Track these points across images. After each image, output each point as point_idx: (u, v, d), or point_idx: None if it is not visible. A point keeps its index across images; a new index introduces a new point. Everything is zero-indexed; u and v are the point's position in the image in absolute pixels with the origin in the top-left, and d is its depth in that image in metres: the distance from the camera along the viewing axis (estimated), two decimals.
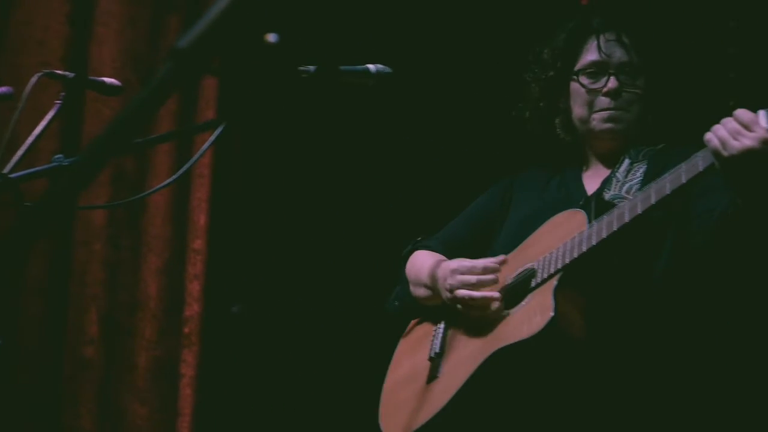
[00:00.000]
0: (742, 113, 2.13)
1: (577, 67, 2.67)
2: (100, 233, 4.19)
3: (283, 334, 4.11)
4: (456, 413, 2.41)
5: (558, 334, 2.28)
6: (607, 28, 2.66)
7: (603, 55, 2.62)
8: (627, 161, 2.58)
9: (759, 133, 2.09)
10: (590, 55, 2.65)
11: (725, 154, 2.12)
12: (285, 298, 4.12)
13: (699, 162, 2.21)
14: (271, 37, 0.99)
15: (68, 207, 0.97)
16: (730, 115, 2.14)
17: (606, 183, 2.59)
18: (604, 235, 2.32)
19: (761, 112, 2.14)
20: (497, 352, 2.35)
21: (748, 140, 2.10)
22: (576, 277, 2.37)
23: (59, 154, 2.42)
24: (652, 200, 2.27)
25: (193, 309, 4.19)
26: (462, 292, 2.49)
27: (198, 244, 4.23)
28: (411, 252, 2.82)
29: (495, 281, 2.52)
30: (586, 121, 2.65)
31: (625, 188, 2.47)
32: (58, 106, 2.55)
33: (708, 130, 2.19)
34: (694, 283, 2.43)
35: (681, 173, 2.23)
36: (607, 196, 2.53)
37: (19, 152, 2.41)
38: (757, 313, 2.85)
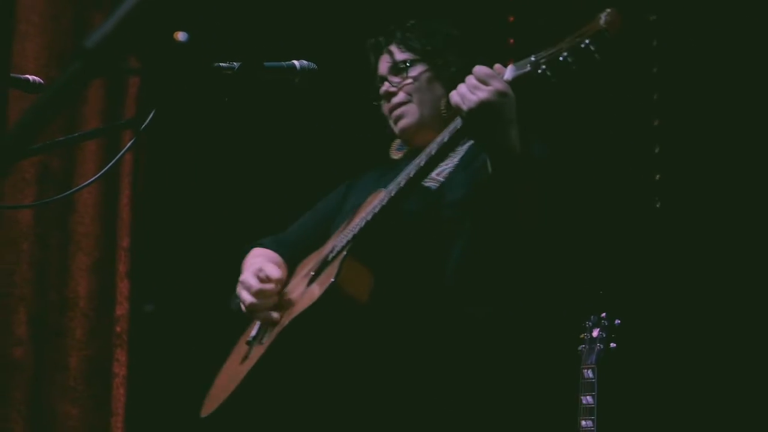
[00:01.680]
0: (478, 69, 2.21)
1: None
2: (27, 232, 4.13)
3: (208, 330, 4.08)
4: (253, 387, 2.48)
5: (340, 300, 2.33)
6: (380, 46, 2.75)
7: (378, 71, 2.74)
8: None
9: (494, 86, 2.17)
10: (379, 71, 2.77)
11: (464, 108, 2.20)
12: (204, 294, 4.09)
13: (458, 120, 2.28)
14: (181, 36, 0.98)
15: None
16: None
17: None
18: (385, 201, 2.40)
19: (509, 66, 2.22)
20: (287, 327, 2.42)
21: (483, 93, 2.17)
22: (369, 249, 2.42)
23: None
24: (422, 162, 2.36)
25: (124, 307, 4.16)
26: (242, 295, 2.57)
27: (127, 242, 4.20)
28: (248, 251, 2.87)
29: (265, 304, 2.55)
30: (392, 128, 2.75)
31: (438, 170, 2.52)
32: None
33: None
34: (482, 273, 2.47)
35: (445, 133, 2.33)
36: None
37: None
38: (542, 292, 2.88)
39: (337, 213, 2.81)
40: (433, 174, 2.51)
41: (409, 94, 2.67)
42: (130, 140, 3.97)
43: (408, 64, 2.67)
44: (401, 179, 2.41)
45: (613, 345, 3.39)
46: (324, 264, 2.54)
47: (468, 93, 2.19)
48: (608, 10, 2.08)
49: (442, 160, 2.42)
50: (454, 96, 2.22)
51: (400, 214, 2.45)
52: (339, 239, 2.54)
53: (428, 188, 2.52)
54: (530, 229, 2.41)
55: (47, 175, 4.15)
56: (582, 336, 3.45)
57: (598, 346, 3.40)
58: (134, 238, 4.22)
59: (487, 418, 2.46)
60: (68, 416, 4.11)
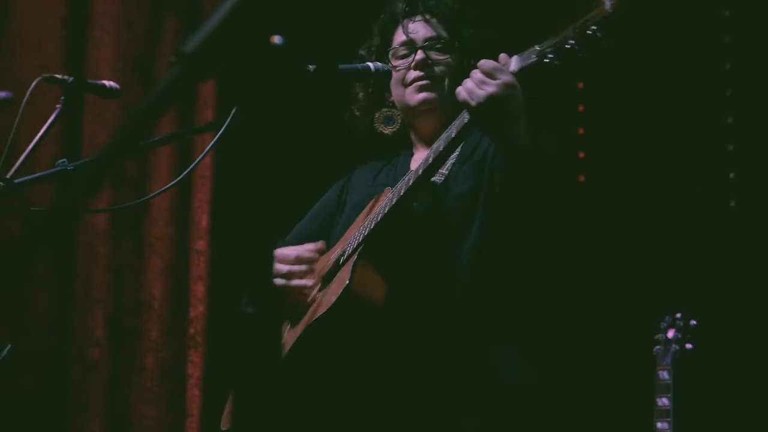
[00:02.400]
0: (484, 63, 2.18)
1: (390, 52, 2.70)
2: (103, 236, 4.20)
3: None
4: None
5: (356, 302, 2.31)
6: (412, 13, 2.67)
7: (409, 34, 2.64)
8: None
9: (501, 79, 2.14)
10: (398, 37, 2.68)
11: (473, 104, 2.16)
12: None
13: (465, 115, 2.25)
14: (277, 39, 1.00)
15: (79, 213, 0.98)
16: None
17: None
18: (394, 201, 2.38)
19: (514, 58, 2.19)
20: (308, 327, 2.41)
21: (491, 87, 2.14)
22: (380, 249, 2.40)
23: (61, 158, 2.42)
24: (431, 159, 2.33)
25: (198, 310, 4.21)
26: (276, 281, 2.52)
27: (201, 245, 4.25)
28: None
29: (308, 270, 2.54)
30: (402, 97, 2.65)
31: (445, 166, 2.48)
32: (58, 110, 2.55)
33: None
34: (496, 265, 2.44)
35: (452, 128, 2.29)
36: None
37: (21, 157, 2.42)
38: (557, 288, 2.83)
39: (337, 212, 2.77)
40: (440, 169, 2.48)
41: (444, 75, 2.60)
42: (203, 143, 4.04)
43: (449, 46, 2.61)
44: (409, 177, 2.38)
45: (688, 346, 3.36)
46: (336, 267, 2.52)
47: (475, 88, 2.15)
48: None
49: (450, 155, 2.40)
50: (461, 92, 2.18)
51: (409, 212, 2.43)
52: (349, 241, 2.52)
53: (434, 183, 2.49)
54: (543, 219, 2.34)
55: (122, 179, 4.22)
56: (657, 337, 3.42)
57: (674, 347, 3.37)
58: (211, 241, 4.26)
59: (562, 420, 2.44)
60: (144, 416, 4.17)
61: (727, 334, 3.69)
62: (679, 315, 3.41)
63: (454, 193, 2.46)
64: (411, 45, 2.64)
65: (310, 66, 2.46)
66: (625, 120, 4.05)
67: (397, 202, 2.38)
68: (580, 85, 4.13)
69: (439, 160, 2.34)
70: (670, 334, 3.38)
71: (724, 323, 3.68)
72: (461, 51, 2.61)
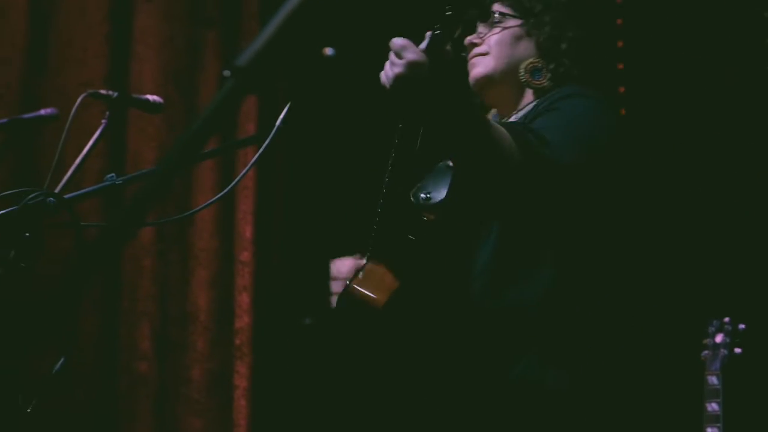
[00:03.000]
0: (394, 41, 2.02)
1: None
2: (149, 249, 4.24)
3: (337, 344, 4.14)
4: None
5: (353, 304, 2.32)
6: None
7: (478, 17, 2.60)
8: (508, 119, 2.53)
9: (407, 57, 1.97)
10: None
11: (387, 86, 2.02)
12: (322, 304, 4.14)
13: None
14: (329, 51, 1.02)
15: (139, 224, 0.99)
16: None
17: None
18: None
19: (427, 34, 2.04)
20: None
21: (397, 68, 1.99)
22: (385, 247, 2.39)
23: (107, 173, 2.45)
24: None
25: (243, 320, 4.24)
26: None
27: (245, 256, 4.28)
28: None
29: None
30: None
31: None
32: (103, 125, 2.58)
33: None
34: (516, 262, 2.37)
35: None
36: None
37: (69, 173, 2.45)
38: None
39: None
40: None
41: (488, 46, 2.52)
42: (246, 155, 4.07)
43: (497, 16, 2.54)
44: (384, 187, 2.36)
45: (737, 350, 3.33)
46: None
47: (387, 69, 2.02)
48: None
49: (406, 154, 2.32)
50: (382, 75, 2.04)
51: (415, 206, 2.37)
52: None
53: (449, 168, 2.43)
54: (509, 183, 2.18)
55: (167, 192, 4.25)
56: (705, 342, 3.40)
57: (722, 351, 3.34)
58: (256, 252, 4.29)
59: (608, 427, 2.40)
60: (192, 428, 4.20)
61: None
62: (727, 319, 3.38)
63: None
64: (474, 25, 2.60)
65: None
66: (670, 121, 4.03)
67: (381, 199, 2.34)
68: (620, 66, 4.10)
69: (396, 160, 2.28)
70: (719, 338, 3.35)
71: None
72: (523, 13, 2.53)
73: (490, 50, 2.52)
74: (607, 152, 2.32)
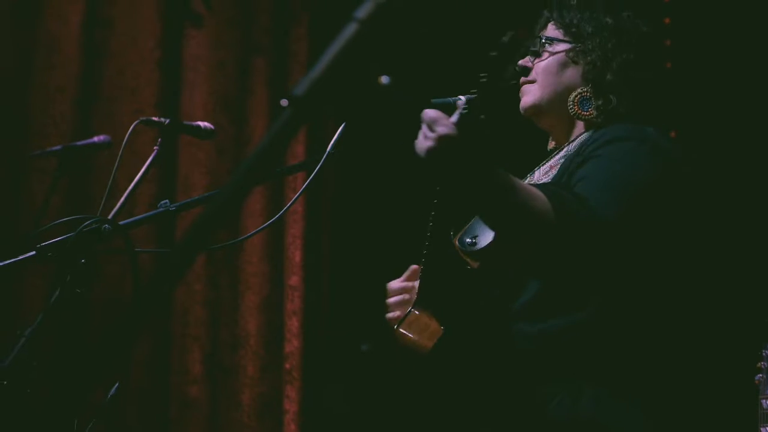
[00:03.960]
0: (425, 112, 2.00)
1: None
2: (199, 274, 4.28)
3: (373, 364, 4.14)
4: None
5: (402, 350, 2.33)
6: (545, 21, 2.56)
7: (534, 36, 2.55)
8: (560, 153, 2.48)
9: (438, 131, 1.96)
10: None
11: (421, 156, 2.01)
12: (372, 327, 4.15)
13: None
14: (384, 79, 1.03)
15: (204, 248, 1.01)
16: None
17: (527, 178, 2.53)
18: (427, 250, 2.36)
19: (459, 103, 2.01)
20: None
21: (429, 141, 1.98)
22: (430, 295, 2.38)
23: (158, 199, 2.48)
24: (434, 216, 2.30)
25: (293, 345, 4.26)
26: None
27: (294, 280, 4.31)
28: None
29: (403, 301, 2.52)
30: None
31: None
32: (155, 151, 2.61)
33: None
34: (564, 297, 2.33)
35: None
36: None
37: (122, 199, 2.49)
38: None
39: None
40: None
41: (536, 74, 2.47)
42: (295, 179, 4.10)
43: (545, 41, 2.48)
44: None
45: None
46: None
47: (421, 140, 2.00)
48: (504, 38, 1.91)
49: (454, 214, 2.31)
50: (416, 143, 2.02)
51: (461, 251, 2.34)
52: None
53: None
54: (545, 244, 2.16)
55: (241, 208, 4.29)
56: (759, 365, 3.36)
57: None
58: (305, 276, 4.31)
59: None
60: None
61: None
62: None
63: None
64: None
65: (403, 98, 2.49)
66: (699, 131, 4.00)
67: (427, 252, 2.34)
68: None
69: (440, 216, 2.27)
70: None
71: None
72: (572, 37, 2.47)
73: (537, 78, 2.48)
74: (649, 199, 2.26)
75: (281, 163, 4.31)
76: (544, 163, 2.50)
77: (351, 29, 1.12)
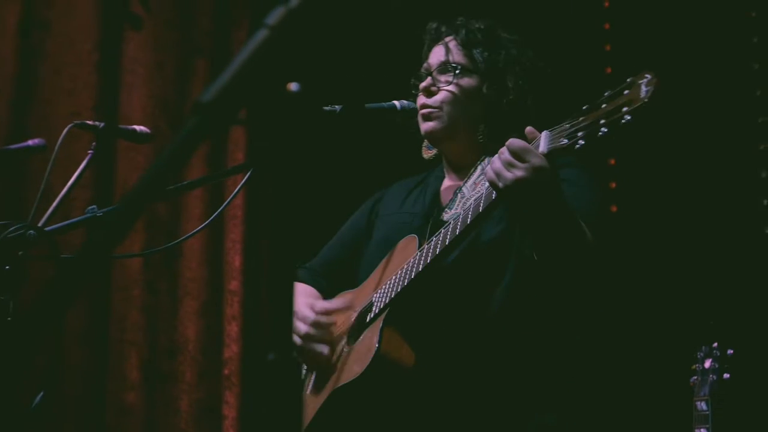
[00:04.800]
0: (513, 142, 2.08)
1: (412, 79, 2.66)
2: (137, 279, 4.25)
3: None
4: None
5: (386, 367, 2.30)
6: (437, 38, 2.62)
7: (427, 59, 2.60)
8: (476, 173, 2.54)
9: (531, 162, 2.05)
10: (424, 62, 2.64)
11: (500, 185, 2.08)
12: None
13: (493, 192, 2.17)
14: (293, 86, 1.03)
15: (106, 259, 1.00)
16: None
17: (453, 197, 2.56)
18: (420, 268, 2.33)
19: (543, 135, 2.09)
20: (334, 392, 2.40)
21: (519, 171, 2.05)
22: (408, 308, 2.37)
23: (93, 204, 2.45)
24: (458, 230, 2.26)
25: (232, 350, 4.24)
26: (294, 339, 2.51)
27: (234, 285, 4.29)
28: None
29: (325, 336, 2.52)
30: (419, 125, 2.60)
31: (467, 205, 2.38)
32: (90, 156, 2.59)
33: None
34: (530, 312, 2.39)
35: (481, 201, 2.22)
36: (446, 216, 2.51)
37: (53, 204, 2.45)
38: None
39: (365, 235, 2.72)
40: (465, 207, 2.41)
41: (444, 101, 2.51)
42: (235, 184, 4.08)
43: (458, 71, 2.52)
44: (436, 244, 2.32)
45: (726, 375, 3.33)
46: (363, 322, 2.48)
47: (503, 170, 2.07)
48: (647, 76, 1.94)
49: (477, 228, 2.31)
50: (489, 172, 2.10)
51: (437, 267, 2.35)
52: (374, 297, 2.47)
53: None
54: (573, 295, 2.35)
55: (155, 222, 4.26)
56: (693, 367, 3.40)
57: (711, 377, 3.34)
58: (241, 281, 4.30)
59: None
60: None
61: (765, 363, 3.66)
62: (715, 344, 3.38)
63: (485, 236, 2.40)
64: (427, 70, 2.59)
65: (336, 106, 2.49)
66: (655, 147, 4.04)
67: (423, 269, 2.32)
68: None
69: (467, 232, 2.26)
70: (707, 364, 3.35)
71: (762, 351, 3.65)
72: (484, 73, 2.53)
73: (443, 107, 2.51)
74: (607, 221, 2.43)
75: (221, 165, 4.29)
76: (467, 181, 2.53)
77: (261, 35, 1.12)
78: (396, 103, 2.61)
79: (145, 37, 4.39)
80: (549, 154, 2.07)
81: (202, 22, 4.50)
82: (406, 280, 2.36)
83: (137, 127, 2.75)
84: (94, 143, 2.58)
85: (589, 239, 2.21)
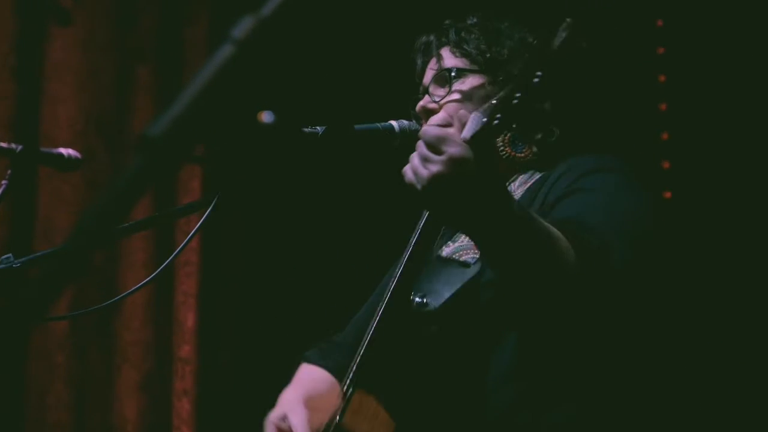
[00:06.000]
0: (426, 131, 2.02)
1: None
2: (62, 343, 4.23)
3: None
4: None
5: None
6: (430, 47, 2.66)
7: (422, 79, 2.64)
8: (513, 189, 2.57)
9: (448, 152, 1.97)
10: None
11: (418, 187, 2.00)
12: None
13: None
14: (266, 116, 1.04)
15: (35, 323, 1.01)
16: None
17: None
18: (379, 315, 2.39)
19: (472, 116, 2.03)
20: None
21: (434, 165, 1.97)
22: (384, 364, 2.40)
23: (8, 251, 2.46)
24: (402, 263, 2.36)
25: None
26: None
27: (186, 351, 4.28)
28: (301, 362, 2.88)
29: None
30: None
31: (464, 241, 2.46)
32: (3, 186, 2.59)
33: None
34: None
35: (418, 226, 2.28)
36: (446, 251, 2.53)
37: None
38: None
39: None
40: (465, 241, 2.43)
41: (450, 115, 2.39)
42: (188, 223, 4.08)
43: (454, 74, 2.55)
44: (390, 286, 2.34)
45: None
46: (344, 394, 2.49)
47: (420, 167, 1.99)
48: (566, 21, 1.95)
49: (425, 256, 2.33)
50: (407, 172, 2.02)
51: (416, 313, 2.35)
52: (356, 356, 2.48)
53: (464, 263, 2.43)
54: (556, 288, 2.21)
55: (87, 271, 4.25)
56: None
57: None
58: (195, 345, 4.29)
59: None
60: None
61: None
62: None
63: (486, 278, 2.36)
64: (424, 90, 2.63)
65: (319, 128, 2.49)
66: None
67: (381, 316, 2.35)
68: None
69: (409, 268, 2.29)
70: None
71: None
72: (486, 67, 2.55)
73: (451, 121, 2.40)
74: (654, 240, 2.37)
75: (170, 202, 4.29)
76: None
77: (225, 52, 1.12)
78: (394, 123, 2.62)
79: (75, 37, 4.40)
80: (473, 140, 2.00)
81: (146, 17, 4.52)
82: (371, 332, 2.38)
83: (64, 151, 2.76)
84: (9, 170, 2.59)
85: (563, 249, 2.11)
